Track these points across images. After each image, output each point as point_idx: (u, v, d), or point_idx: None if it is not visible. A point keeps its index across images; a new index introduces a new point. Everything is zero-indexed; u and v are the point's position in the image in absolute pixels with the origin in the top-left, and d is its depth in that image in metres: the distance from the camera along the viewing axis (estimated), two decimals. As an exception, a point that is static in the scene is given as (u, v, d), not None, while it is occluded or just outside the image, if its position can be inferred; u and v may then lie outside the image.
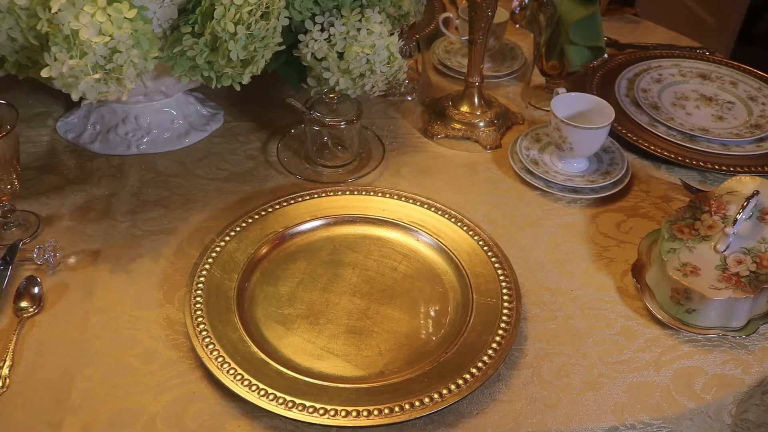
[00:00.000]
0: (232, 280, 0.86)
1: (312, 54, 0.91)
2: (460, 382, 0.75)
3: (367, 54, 0.90)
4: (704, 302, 0.81)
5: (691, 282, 0.82)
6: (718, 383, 0.79)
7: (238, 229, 0.91)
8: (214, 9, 0.79)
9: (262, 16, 0.80)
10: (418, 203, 0.96)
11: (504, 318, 0.82)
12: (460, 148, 1.12)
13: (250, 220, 0.93)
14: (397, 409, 0.72)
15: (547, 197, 1.03)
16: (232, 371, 0.75)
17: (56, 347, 0.79)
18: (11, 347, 0.78)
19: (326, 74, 0.93)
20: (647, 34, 1.44)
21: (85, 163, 1.04)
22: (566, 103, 1.05)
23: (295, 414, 0.72)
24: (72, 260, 0.89)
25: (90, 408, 0.74)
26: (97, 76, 0.77)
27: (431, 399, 0.73)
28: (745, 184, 0.90)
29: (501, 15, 1.25)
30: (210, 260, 0.87)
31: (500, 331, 0.80)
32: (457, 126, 1.14)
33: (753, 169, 1.06)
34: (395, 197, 0.97)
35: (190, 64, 0.85)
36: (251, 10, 0.79)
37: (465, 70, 1.17)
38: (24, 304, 0.83)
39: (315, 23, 0.88)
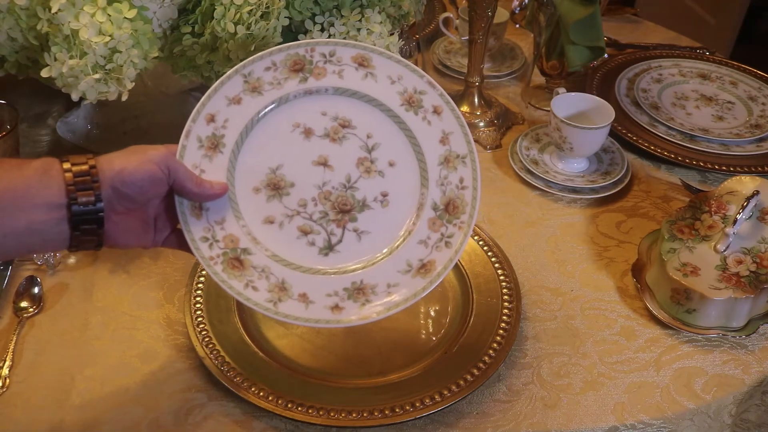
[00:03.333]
0: (232, 280, 0.85)
1: (312, 54, 0.91)
2: (460, 382, 0.75)
3: (367, 54, 0.90)
4: (704, 302, 0.81)
5: (691, 282, 0.82)
6: (718, 383, 0.79)
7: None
8: (214, 9, 0.79)
9: (262, 16, 0.80)
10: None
11: (504, 318, 0.82)
12: (460, 148, 1.12)
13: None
14: (397, 409, 0.72)
15: (547, 197, 1.03)
16: (232, 371, 0.75)
17: (56, 347, 0.79)
18: (11, 347, 0.78)
19: (326, 74, 0.93)
20: (647, 34, 1.44)
21: (85, 163, 1.04)
22: (566, 103, 1.05)
23: (295, 414, 0.72)
24: (72, 260, 0.89)
25: (90, 408, 0.74)
26: (97, 76, 0.77)
27: (431, 399, 0.73)
28: (745, 184, 0.90)
29: (501, 15, 1.25)
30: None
31: (500, 331, 0.80)
32: (457, 126, 1.14)
33: (753, 169, 1.06)
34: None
35: (190, 64, 0.85)
36: (251, 10, 0.79)
37: (465, 70, 1.17)
38: (24, 304, 0.83)
39: (315, 23, 0.88)
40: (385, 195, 0.71)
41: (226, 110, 0.70)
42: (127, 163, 0.61)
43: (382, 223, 0.71)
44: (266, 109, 0.71)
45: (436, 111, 0.73)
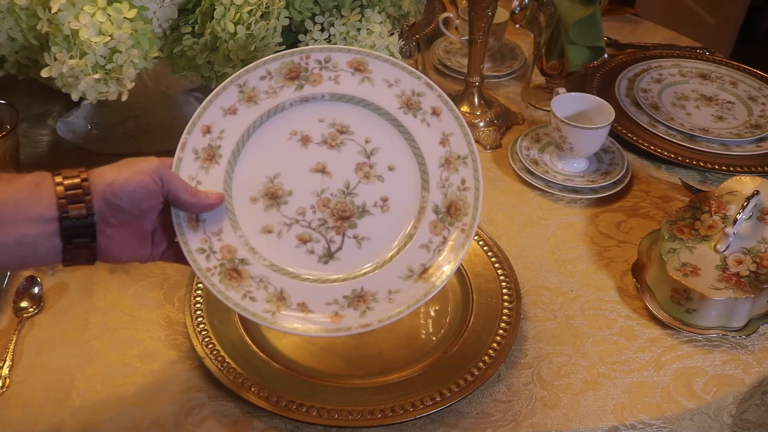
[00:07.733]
0: (232, 280, 0.85)
1: (312, 54, 0.91)
2: (460, 382, 0.75)
3: (367, 54, 0.90)
4: (704, 302, 0.81)
5: (691, 282, 0.82)
6: (718, 383, 0.79)
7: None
8: (214, 9, 0.79)
9: (262, 16, 0.80)
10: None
11: (504, 318, 0.82)
12: (460, 148, 1.12)
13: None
14: (397, 409, 0.72)
15: (547, 197, 1.03)
16: (232, 371, 0.75)
17: (56, 347, 0.79)
18: (11, 347, 0.78)
19: (326, 74, 0.93)
20: (647, 34, 1.44)
21: (85, 163, 1.03)
22: (566, 103, 1.05)
23: (295, 414, 0.72)
24: (72, 260, 0.89)
25: (90, 408, 0.74)
26: (97, 76, 0.77)
27: (431, 399, 0.73)
28: (745, 184, 0.90)
29: (501, 15, 1.25)
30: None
31: (500, 331, 0.80)
32: (457, 126, 1.14)
33: (753, 169, 1.06)
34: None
35: (190, 64, 0.85)
36: (251, 10, 0.79)
37: (465, 70, 1.17)
38: (24, 304, 0.83)
39: (315, 23, 0.88)
40: (385, 200, 0.70)
41: (221, 121, 0.70)
42: (119, 175, 0.61)
43: (382, 228, 0.70)
44: (262, 119, 0.71)
45: (435, 112, 0.72)
